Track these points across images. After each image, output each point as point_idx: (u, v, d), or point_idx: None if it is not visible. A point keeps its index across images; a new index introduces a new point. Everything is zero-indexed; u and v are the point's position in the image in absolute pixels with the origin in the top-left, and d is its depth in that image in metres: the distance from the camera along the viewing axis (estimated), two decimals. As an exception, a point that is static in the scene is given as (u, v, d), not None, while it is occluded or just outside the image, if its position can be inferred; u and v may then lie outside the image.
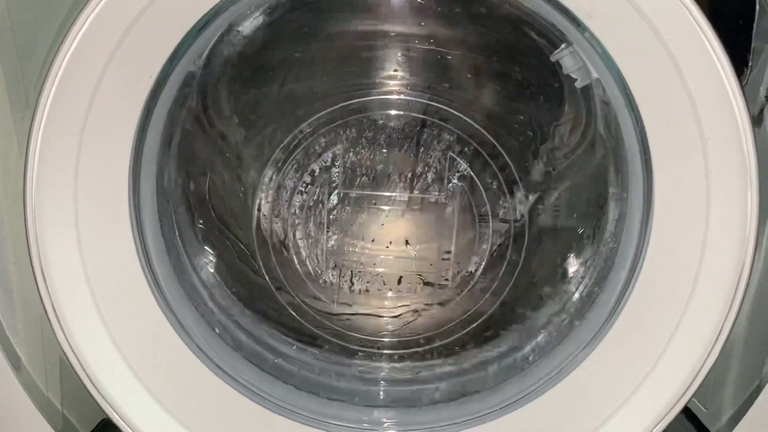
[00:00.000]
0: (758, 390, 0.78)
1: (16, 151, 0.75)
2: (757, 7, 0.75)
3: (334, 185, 0.98)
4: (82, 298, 0.73)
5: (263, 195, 0.98)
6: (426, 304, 1.02)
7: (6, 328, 0.77)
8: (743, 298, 0.70)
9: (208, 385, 0.79)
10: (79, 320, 0.73)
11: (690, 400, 0.73)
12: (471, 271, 1.00)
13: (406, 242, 1.02)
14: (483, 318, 0.97)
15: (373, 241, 1.02)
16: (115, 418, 0.74)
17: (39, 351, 0.80)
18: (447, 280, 1.01)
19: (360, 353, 0.98)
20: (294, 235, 1.00)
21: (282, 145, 0.96)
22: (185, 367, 0.78)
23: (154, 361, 0.76)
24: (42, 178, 0.69)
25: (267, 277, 0.98)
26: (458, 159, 0.97)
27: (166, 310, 0.78)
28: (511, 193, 0.97)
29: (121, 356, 0.74)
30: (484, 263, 0.99)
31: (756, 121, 0.75)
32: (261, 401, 0.81)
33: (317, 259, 1.01)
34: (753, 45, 0.75)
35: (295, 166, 0.97)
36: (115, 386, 0.74)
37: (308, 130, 0.96)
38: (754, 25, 0.75)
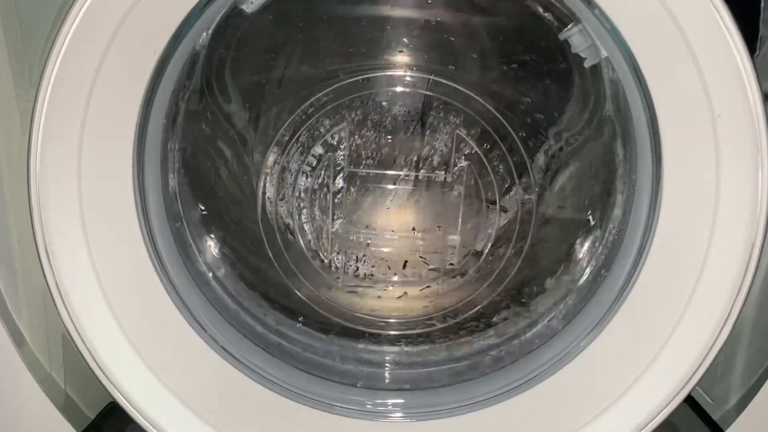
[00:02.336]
0: (764, 376, 0.78)
1: (19, 129, 0.75)
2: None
3: (339, 168, 0.98)
4: (86, 277, 0.72)
5: (267, 178, 0.98)
6: (431, 288, 1.01)
7: (9, 306, 0.77)
8: (752, 282, 0.69)
9: (212, 366, 0.78)
10: (83, 298, 0.72)
11: (694, 388, 0.72)
12: (476, 255, 0.99)
13: (412, 227, 1.01)
14: (488, 301, 0.96)
15: (378, 225, 1.01)
16: (118, 397, 0.75)
17: (42, 329, 0.80)
18: (452, 264, 1.00)
19: (365, 336, 0.97)
20: (299, 219, 1.00)
21: (286, 125, 0.95)
22: (189, 348, 0.78)
23: (158, 341, 0.76)
24: (46, 157, 0.69)
25: (272, 260, 0.97)
26: (466, 139, 0.96)
27: (171, 291, 0.78)
28: (519, 176, 0.96)
29: (125, 336, 0.74)
30: (489, 247, 0.99)
31: (768, 98, 0.74)
32: (265, 383, 0.81)
33: (322, 242, 1.01)
34: (760, 33, 0.74)
35: (300, 149, 0.97)
36: (118, 365, 0.74)
37: (312, 111, 0.95)
38: (761, 8, 0.74)
